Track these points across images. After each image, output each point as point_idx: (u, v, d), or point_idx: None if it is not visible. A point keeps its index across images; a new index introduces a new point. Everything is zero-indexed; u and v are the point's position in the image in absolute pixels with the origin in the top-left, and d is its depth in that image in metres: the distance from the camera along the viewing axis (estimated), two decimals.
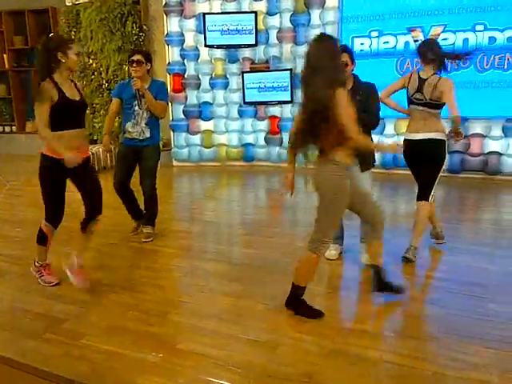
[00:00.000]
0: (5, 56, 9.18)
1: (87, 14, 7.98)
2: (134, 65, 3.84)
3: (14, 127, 9.36)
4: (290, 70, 6.96)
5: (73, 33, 8.37)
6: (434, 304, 2.85)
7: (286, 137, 7.19)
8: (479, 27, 6.02)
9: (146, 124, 3.90)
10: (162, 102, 3.94)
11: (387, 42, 6.51)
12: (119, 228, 4.40)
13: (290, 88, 6.97)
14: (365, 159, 3.16)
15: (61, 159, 2.85)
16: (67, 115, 2.93)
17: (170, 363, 2.27)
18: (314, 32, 6.82)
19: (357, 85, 3.20)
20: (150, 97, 3.82)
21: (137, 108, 3.89)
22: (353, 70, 3.23)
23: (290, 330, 2.58)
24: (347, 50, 3.21)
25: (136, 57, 3.88)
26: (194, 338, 2.51)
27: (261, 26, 7.12)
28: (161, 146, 4.35)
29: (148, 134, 3.92)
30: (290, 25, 6.98)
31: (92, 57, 8.16)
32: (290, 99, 7.04)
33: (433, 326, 2.61)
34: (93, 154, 7.18)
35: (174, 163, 7.71)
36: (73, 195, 3.25)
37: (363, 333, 2.55)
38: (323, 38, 2.61)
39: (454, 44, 6.14)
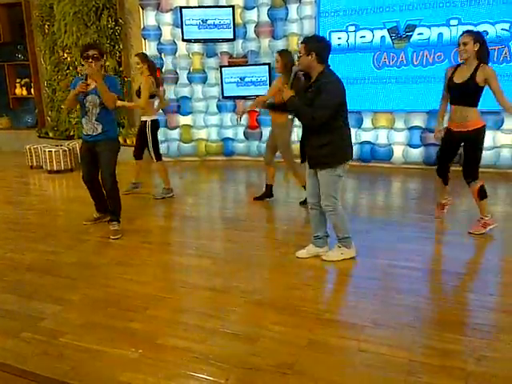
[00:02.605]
0: None
1: (61, 7, 7.82)
2: (90, 60, 3.79)
3: None
4: (269, 64, 6.96)
5: (46, 26, 8.21)
6: (409, 293, 2.91)
7: (265, 131, 7.21)
8: (453, 21, 6.12)
9: (96, 120, 3.95)
10: (112, 94, 3.90)
11: (364, 37, 6.57)
12: (98, 224, 4.35)
13: (268, 82, 6.97)
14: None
15: None
16: None
17: (151, 359, 2.27)
18: (292, 26, 6.86)
19: (317, 79, 3.16)
20: (104, 88, 3.79)
21: (87, 104, 3.92)
22: (319, 62, 3.14)
23: (269, 323, 2.60)
24: (304, 40, 3.21)
25: (92, 52, 3.83)
26: (174, 332, 2.51)
27: (238, 20, 7.09)
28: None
29: (100, 130, 3.97)
30: (267, 19, 6.97)
31: (67, 51, 8.01)
32: None
33: (408, 314, 2.66)
34: (69, 149, 7.07)
35: None
36: None
37: (340, 323, 2.59)
38: None
39: (428, 39, 6.24)
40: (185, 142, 7.52)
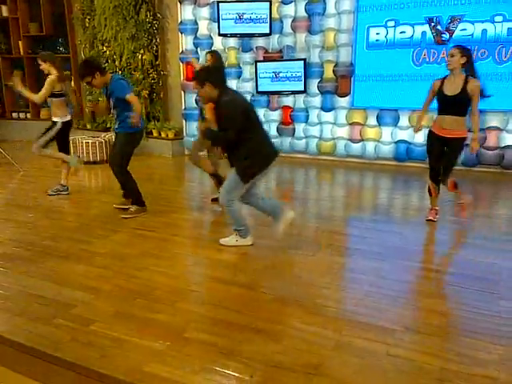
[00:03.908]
0: (20, 43, 9.24)
1: (101, 1, 7.98)
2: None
3: (28, 114, 9.45)
4: (304, 59, 6.89)
5: (87, 20, 8.39)
6: (442, 299, 2.82)
7: (298, 127, 7.16)
8: (498, 18, 5.87)
9: (116, 117, 4.38)
10: (130, 99, 4.22)
11: (404, 32, 6.40)
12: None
13: (303, 78, 6.91)
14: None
15: None
16: None
17: (177, 351, 2.29)
18: (329, 21, 6.76)
19: (217, 103, 3.38)
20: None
21: (111, 104, 4.38)
22: (216, 87, 3.35)
23: (296, 321, 2.57)
24: (194, 78, 3.47)
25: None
26: (201, 326, 2.52)
27: (275, 14, 7.05)
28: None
29: (116, 125, 4.40)
30: (304, 14, 6.89)
31: (106, 44, 8.16)
32: (303, 89, 6.98)
33: (441, 320, 2.58)
34: (105, 141, 7.23)
35: (187, 152, 7.71)
36: None
37: (369, 325, 2.53)
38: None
39: (472, 35, 6.01)
40: None
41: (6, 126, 9.25)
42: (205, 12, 7.30)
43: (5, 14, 9.27)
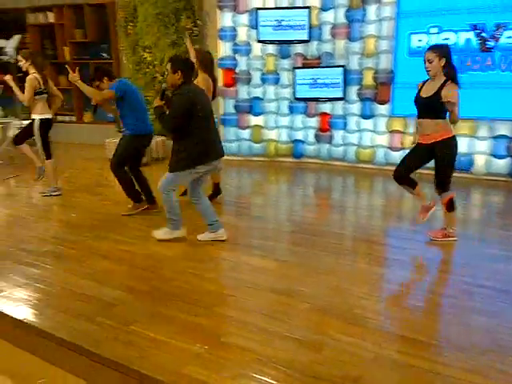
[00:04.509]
0: (65, 48, 9.58)
1: (144, 8, 8.18)
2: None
3: (73, 117, 9.77)
4: (343, 66, 6.83)
5: (129, 27, 8.61)
6: (487, 315, 2.71)
7: (336, 134, 7.10)
8: None
9: (120, 118, 4.64)
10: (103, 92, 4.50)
11: (447, 39, 6.24)
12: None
13: (342, 85, 6.85)
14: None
15: None
16: None
17: (215, 356, 2.29)
18: (369, 28, 6.68)
19: (174, 93, 3.58)
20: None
21: None
22: (184, 79, 3.56)
23: (335, 332, 2.53)
24: (170, 61, 3.64)
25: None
26: (239, 332, 2.52)
27: (314, 21, 7.03)
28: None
29: (122, 125, 4.66)
30: (344, 20, 6.84)
31: (147, 50, 8.35)
32: (342, 96, 6.92)
33: (486, 338, 2.48)
34: None
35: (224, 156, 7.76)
36: None
37: (411, 340, 2.46)
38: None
39: None
40: (255, 142, 7.59)
41: (53, 129, 9.57)
42: (244, 19, 7.36)
43: (51, 20, 9.64)
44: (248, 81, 7.45)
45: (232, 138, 7.66)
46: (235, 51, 7.47)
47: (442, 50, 3.60)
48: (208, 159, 3.65)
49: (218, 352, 2.32)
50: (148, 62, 8.37)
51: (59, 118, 9.81)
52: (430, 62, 3.58)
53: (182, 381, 2.11)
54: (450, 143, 3.67)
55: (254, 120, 7.54)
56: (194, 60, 4.59)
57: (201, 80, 4.66)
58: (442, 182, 3.77)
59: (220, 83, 7.72)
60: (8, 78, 5.18)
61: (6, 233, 4.17)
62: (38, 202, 5.29)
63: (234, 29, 7.41)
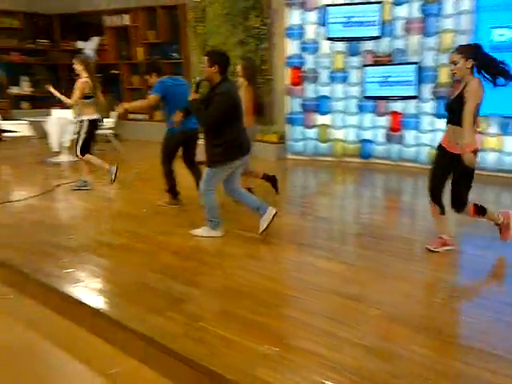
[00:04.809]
0: (139, 49, 9.98)
1: (213, 9, 8.34)
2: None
3: (145, 116, 10.17)
4: (417, 63, 6.55)
5: (199, 27, 8.81)
6: None
7: (408, 134, 6.83)
8: None
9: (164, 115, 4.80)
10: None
11: None
12: (232, 216, 4.54)
13: (415, 83, 6.57)
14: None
15: None
16: None
17: (284, 358, 2.27)
18: (446, 22, 6.36)
19: (213, 89, 3.68)
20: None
21: None
22: (220, 73, 3.65)
23: (406, 341, 2.42)
24: (208, 54, 3.72)
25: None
26: (306, 335, 2.48)
27: (386, 16, 6.80)
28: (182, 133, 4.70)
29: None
30: (418, 15, 6.56)
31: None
32: (415, 94, 6.64)
33: None
34: None
35: (289, 156, 7.75)
36: None
37: (496, 357, 2.29)
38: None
39: None
40: (321, 142, 7.49)
41: (126, 127, 10.03)
42: (312, 16, 7.27)
43: (126, 22, 10.09)
44: (315, 79, 7.36)
45: (298, 138, 7.61)
46: (303, 49, 7.41)
47: (470, 51, 3.27)
48: (240, 154, 3.79)
49: (287, 355, 2.29)
50: None
51: (131, 116, 10.26)
52: (455, 64, 3.27)
53: (256, 383, 2.11)
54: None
55: (321, 119, 7.44)
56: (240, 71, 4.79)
57: (243, 92, 4.71)
58: (459, 196, 3.45)
59: (287, 82, 7.70)
60: (51, 89, 5.69)
61: (84, 225, 4.42)
62: (112, 196, 5.57)
63: (301, 27, 7.35)
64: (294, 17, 7.38)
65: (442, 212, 3.61)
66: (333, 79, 7.26)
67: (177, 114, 4.21)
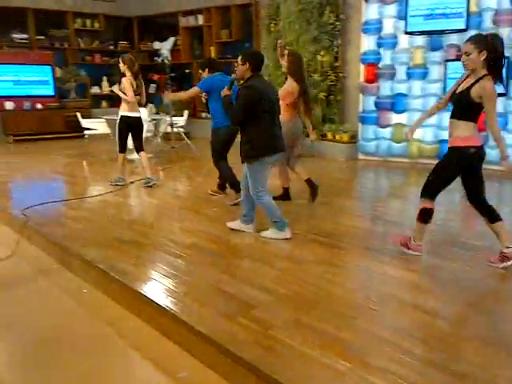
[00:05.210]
0: (211, 48, 10.12)
1: (287, 5, 8.22)
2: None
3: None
4: (507, 57, 6.01)
5: (272, 25, 8.73)
6: None
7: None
8: None
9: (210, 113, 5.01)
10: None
11: None
12: (302, 218, 4.40)
13: (503, 79, 6.03)
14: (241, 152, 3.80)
15: None
16: None
17: (361, 378, 2.11)
18: None
19: (242, 85, 3.69)
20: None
21: None
22: (252, 71, 3.67)
23: (505, 368, 2.16)
24: (241, 55, 3.72)
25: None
26: (387, 353, 2.29)
27: (473, 7, 6.32)
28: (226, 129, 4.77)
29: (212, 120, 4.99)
30: (509, 6, 6.03)
31: (288, 47, 8.37)
32: (503, 91, 6.10)
33: None
34: None
35: (360, 156, 7.47)
36: None
37: None
38: None
39: None
40: (396, 142, 7.13)
41: (196, 125, 10.22)
42: (391, 9, 6.93)
43: (200, 22, 10.26)
44: (392, 76, 7.03)
45: (370, 137, 7.32)
46: (379, 45, 7.10)
47: (484, 43, 3.02)
48: (270, 152, 3.71)
49: (364, 374, 2.12)
50: None
51: (203, 114, 10.42)
52: (468, 55, 3.04)
53: None
54: (459, 150, 3.20)
55: (396, 118, 7.09)
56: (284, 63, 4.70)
57: (286, 85, 4.64)
58: (473, 194, 3.31)
59: (361, 79, 7.42)
60: (109, 89, 6.08)
61: (157, 223, 4.48)
62: (183, 194, 5.65)
63: (379, 21, 7.04)
64: (371, 11, 7.09)
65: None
66: (410, 76, 6.89)
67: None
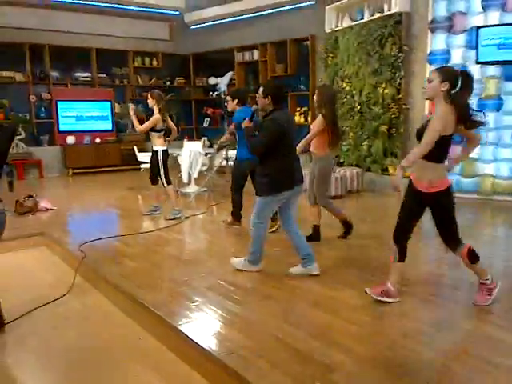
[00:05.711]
0: None
1: (346, 38, 8.05)
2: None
3: None
4: None
5: (329, 58, 8.56)
6: None
7: None
8: None
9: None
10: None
11: None
12: (372, 263, 3.99)
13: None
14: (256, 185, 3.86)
15: None
16: None
17: None
18: None
19: (265, 117, 3.65)
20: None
21: None
22: (273, 104, 3.61)
23: None
24: (262, 85, 3.77)
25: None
26: None
27: None
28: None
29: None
30: None
31: (346, 80, 8.15)
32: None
33: None
34: (340, 177, 7.09)
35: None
36: None
37: None
38: None
39: None
40: (465, 177, 6.60)
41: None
42: (460, 39, 6.56)
43: (256, 57, 10.29)
44: None
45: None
46: None
47: (448, 74, 2.89)
48: (289, 185, 3.63)
49: None
50: (346, 92, 8.16)
51: None
52: (429, 82, 2.96)
53: None
54: (440, 194, 3.03)
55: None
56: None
57: (317, 122, 4.49)
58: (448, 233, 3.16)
59: (425, 112, 7.01)
60: (130, 110, 5.97)
61: (212, 262, 4.21)
62: (238, 231, 5.32)
63: (447, 51, 6.66)
64: (437, 41, 6.74)
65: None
66: (483, 107, 6.40)
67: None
